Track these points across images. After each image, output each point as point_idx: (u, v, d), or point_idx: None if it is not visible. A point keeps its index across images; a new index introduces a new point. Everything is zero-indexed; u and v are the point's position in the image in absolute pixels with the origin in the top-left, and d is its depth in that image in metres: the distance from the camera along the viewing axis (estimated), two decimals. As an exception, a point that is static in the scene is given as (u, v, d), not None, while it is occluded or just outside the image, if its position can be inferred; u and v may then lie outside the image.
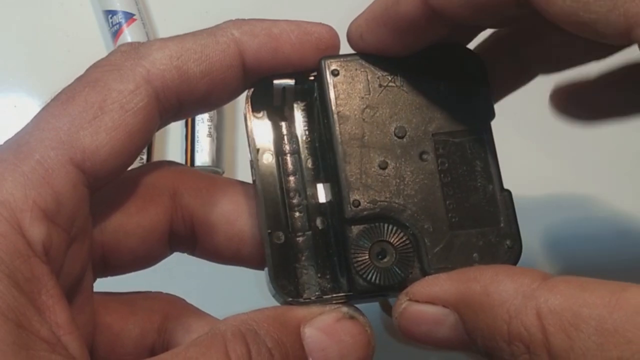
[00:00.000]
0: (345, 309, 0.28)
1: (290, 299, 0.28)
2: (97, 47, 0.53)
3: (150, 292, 0.32)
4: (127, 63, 0.28)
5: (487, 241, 0.28)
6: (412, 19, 0.28)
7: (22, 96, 0.52)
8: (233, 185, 0.32)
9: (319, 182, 0.31)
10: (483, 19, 0.28)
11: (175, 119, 0.30)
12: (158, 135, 0.50)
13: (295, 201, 0.31)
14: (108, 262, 0.30)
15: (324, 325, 0.27)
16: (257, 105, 0.31)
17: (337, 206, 0.29)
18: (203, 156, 0.48)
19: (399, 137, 0.29)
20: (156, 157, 0.50)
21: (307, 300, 0.28)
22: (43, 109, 0.27)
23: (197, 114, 0.32)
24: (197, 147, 0.48)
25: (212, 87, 0.29)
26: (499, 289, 0.24)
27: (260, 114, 0.31)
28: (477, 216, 0.28)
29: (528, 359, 0.24)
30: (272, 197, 0.30)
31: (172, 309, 0.32)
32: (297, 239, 0.30)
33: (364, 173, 0.28)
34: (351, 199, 0.28)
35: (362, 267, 0.28)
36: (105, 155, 0.26)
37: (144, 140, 0.28)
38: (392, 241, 0.28)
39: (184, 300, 0.33)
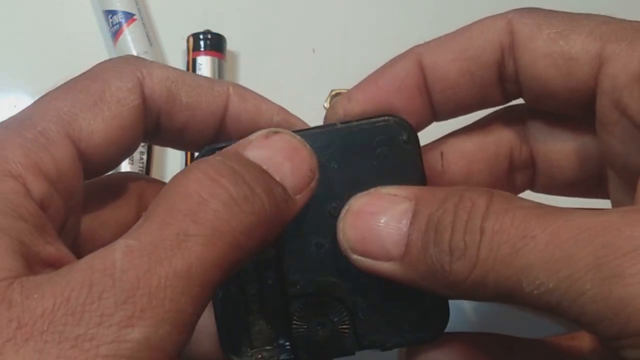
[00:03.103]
0: (265, 130, 0.28)
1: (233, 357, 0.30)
2: (97, 47, 0.53)
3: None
4: (128, 67, 0.30)
5: (417, 314, 0.30)
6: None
7: (22, 96, 0.52)
8: None
9: None
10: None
11: (149, 140, 0.32)
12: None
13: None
14: (81, 255, 0.31)
15: (260, 141, 0.27)
16: None
17: (280, 283, 0.30)
18: (203, 158, 0.48)
19: (334, 216, 0.29)
20: (156, 160, 0.50)
21: (254, 351, 0.30)
22: (44, 94, 0.28)
23: (167, 146, 0.33)
24: (197, 149, 0.48)
25: (190, 124, 0.31)
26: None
27: None
28: (408, 289, 0.28)
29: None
30: None
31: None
32: (248, 290, 0.30)
33: (302, 254, 0.30)
34: (290, 280, 0.30)
35: (301, 339, 0.30)
36: (99, 141, 0.28)
37: (134, 139, 0.29)
38: (329, 314, 0.30)
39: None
